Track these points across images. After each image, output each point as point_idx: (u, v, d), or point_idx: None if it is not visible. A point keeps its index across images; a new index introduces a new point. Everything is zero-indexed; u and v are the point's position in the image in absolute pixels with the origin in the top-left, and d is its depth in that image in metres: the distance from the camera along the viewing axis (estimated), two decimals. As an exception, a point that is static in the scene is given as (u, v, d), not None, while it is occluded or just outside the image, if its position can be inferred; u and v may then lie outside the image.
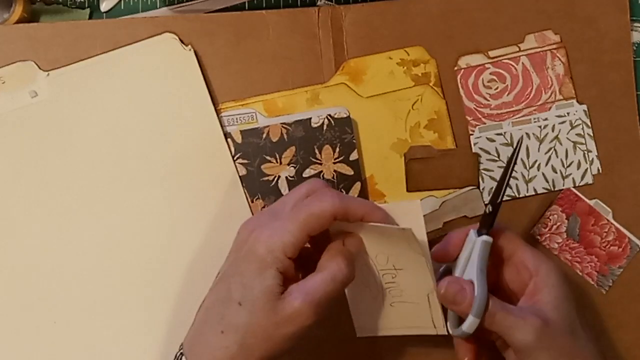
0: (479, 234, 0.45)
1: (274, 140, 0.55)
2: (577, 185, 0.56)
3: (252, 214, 0.54)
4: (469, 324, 0.43)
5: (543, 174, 0.56)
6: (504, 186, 0.46)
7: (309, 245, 0.44)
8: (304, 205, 0.42)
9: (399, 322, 0.47)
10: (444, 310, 0.45)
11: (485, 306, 0.42)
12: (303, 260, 0.43)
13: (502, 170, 0.55)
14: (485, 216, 0.46)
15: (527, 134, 0.56)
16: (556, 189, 0.56)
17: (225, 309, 0.41)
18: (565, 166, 0.56)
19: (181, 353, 0.42)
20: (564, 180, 0.56)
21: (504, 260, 0.47)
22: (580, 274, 0.55)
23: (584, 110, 0.56)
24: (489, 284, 0.44)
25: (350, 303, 0.47)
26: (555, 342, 0.42)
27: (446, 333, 0.45)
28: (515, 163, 0.46)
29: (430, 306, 0.45)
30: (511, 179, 0.55)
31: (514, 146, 0.43)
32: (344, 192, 0.54)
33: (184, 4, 0.59)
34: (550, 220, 0.55)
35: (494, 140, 0.56)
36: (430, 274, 0.44)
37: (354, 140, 0.55)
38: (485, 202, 0.45)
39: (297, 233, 0.41)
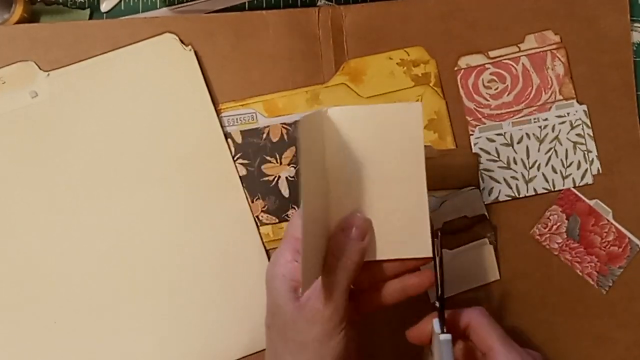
0: (441, 326, 0.42)
1: (274, 141, 0.55)
2: (577, 185, 0.56)
3: (252, 214, 0.54)
4: None
5: (543, 174, 0.56)
6: (441, 282, 0.43)
7: None
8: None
9: (383, 243, 0.44)
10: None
11: None
12: None
13: (502, 170, 0.55)
14: (438, 311, 0.43)
15: (527, 134, 0.56)
16: (556, 189, 0.56)
17: (268, 338, 0.44)
18: (565, 166, 0.56)
19: None
20: (564, 180, 0.56)
21: (481, 354, 0.44)
22: (581, 274, 0.55)
23: (584, 111, 0.56)
24: None
25: None
26: None
27: (430, 255, 0.43)
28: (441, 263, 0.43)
29: (419, 225, 0.43)
30: (512, 179, 0.55)
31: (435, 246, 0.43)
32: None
33: (184, 5, 0.59)
34: (551, 220, 0.55)
35: (494, 141, 0.56)
36: (424, 192, 0.43)
37: (354, 141, 0.55)
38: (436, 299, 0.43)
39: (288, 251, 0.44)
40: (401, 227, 0.43)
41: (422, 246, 0.43)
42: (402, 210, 0.43)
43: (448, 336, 0.41)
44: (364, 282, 0.44)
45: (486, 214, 0.55)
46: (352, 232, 0.42)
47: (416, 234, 0.43)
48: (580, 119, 0.56)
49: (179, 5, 0.59)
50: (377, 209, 0.43)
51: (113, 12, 0.59)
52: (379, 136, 0.43)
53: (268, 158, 0.55)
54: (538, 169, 0.56)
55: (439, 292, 0.43)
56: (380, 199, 0.43)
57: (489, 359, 0.42)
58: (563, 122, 0.56)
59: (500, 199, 0.55)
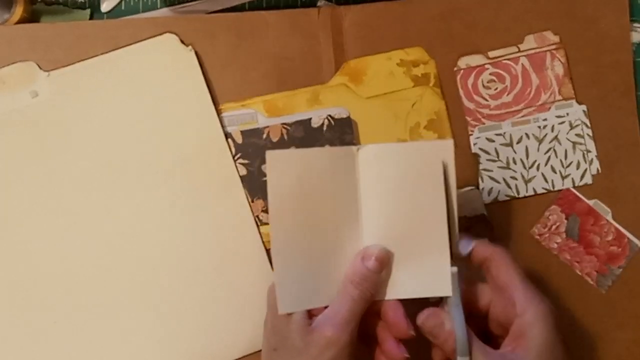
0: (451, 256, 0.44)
1: (274, 141, 0.55)
2: (576, 185, 0.56)
3: (252, 214, 0.54)
4: None
5: (542, 174, 0.56)
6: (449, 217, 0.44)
7: None
8: None
9: (405, 282, 0.44)
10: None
11: (467, 343, 0.41)
12: None
13: (501, 170, 0.56)
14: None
15: (526, 134, 0.56)
16: (555, 189, 0.56)
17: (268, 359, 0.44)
18: (565, 166, 0.56)
19: None
20: (563, 180, 0.56)
21: (497, 289, 0.45)
22: (580, 274, 0.55)
23: (584, 111, 0.56)
24: (482, 305, 0.45)
25: None
26: None
27: (450, 294, 0.43)
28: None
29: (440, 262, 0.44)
30: (512, 179, 0.55)
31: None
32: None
33: (184, 5, 0.59)
34: (550, 220, 0.55)
35: (493, 141, 0.56)
36: (456, 230, 0.44)
37: (354, 141, 0.55)
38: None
39: None
40: (423, 265, 0.44)
41: (442, 285, 0.44)
42: (426, 246, 0.44)
43: (454, 269, 0.43)
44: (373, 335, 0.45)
45: (486, 213, 0.55)
46: (371, 263, 0.44)
47: (437, 272, 0.44)
48: (579, 119, 0.56)
49: (180, 6, 0.59)
50: (403, 244, 0.45)
51: (113, 12, 0.59)
52: (410, 173, 0.44)
53: (268, 158, 0.55)
54: (537, 169, 0.56)
55: (452, 229, 0.44)
56: (408, 234, 0.45)
57: (506, 294, 0.43)
58: (562, 122, 0.56)
59: (500, 198, 0.55)
